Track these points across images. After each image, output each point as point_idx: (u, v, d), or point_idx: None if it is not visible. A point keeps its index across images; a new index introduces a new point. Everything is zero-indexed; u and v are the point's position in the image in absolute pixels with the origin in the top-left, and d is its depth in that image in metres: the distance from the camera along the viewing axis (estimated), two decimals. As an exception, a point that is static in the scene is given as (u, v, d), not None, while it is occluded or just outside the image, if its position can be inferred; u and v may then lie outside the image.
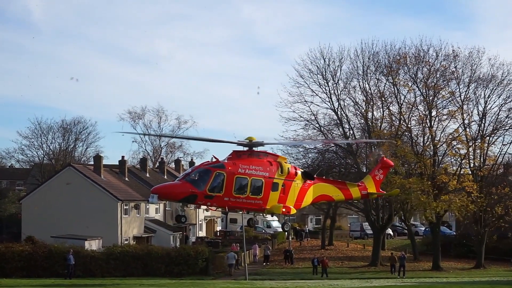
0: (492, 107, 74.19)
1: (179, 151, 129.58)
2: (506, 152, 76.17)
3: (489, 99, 73.94)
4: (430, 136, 72.48)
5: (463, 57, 73.18)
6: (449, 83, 73.98)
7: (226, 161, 34.24)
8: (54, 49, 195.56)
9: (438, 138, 72.79)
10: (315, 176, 38.94)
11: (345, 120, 77.46)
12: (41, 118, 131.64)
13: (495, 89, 73.72)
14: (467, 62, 73.29)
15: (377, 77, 75.97)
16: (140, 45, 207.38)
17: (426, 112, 73.06)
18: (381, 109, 75.98)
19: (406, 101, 74.44)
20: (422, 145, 73.31)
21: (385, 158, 42.56)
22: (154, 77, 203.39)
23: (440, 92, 72.77)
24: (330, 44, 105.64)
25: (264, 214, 35.53)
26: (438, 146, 72.59)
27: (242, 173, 33.66)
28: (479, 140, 73.12)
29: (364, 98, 76.11)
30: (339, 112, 76.88)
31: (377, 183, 40.98)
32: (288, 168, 35.75)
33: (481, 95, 74.07)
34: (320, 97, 76.69)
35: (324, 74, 76.43)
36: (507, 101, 73.78)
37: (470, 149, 72.51)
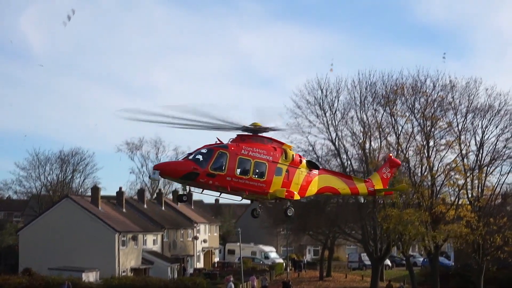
0: (489, 137, 74.19)
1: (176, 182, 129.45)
2: (504, 182, 76.08)
3: (486, 129, 73.96)
4: (427, 167, 72.47)
5: (460, 88, 73.42)
6: (446, 113, 74.12)
7: (229, 142, 33.80)
8: (52, 80, 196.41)
9: (436, 168, 72.79)
10: (320, 167, 38.05)
11: (343, 151, 77.55)
12: (39, 149, 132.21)
13: (493, 119, 73.77)
14: (464, 92, 73.51)
15: (374, 108, 76.14)
16: (138, 76, 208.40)
17: (424, 143, 73.14)
18: (379, 140, 76.06)
19: (404, 131, 74.54)
20: (420, 175, 73.26)
21: (392, 157, 42.01)
22: (152, 108, 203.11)
23: (438, 122, 72.91)
24: (328, 75, 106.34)
25: (268, 198, 34.53)
26: (436, 177, 72.55)
27: (245, 155, 33.12)
28: (477, 170, 73.05)
29: (362, 129, 76.26)
30: (336, 143, 76.98)
31: (384, 181, 39.75)
32: (293, 155, 35.04)
33: (478, 125, 74.16)
34: (317, 128, 76.77)
35: (321, 104, 76.64)
36: (505, 131, 73.83)
37: (468, 179, 72.44)
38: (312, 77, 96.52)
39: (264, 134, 34.46)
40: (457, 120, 73.59)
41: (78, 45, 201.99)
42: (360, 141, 76.27)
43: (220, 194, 33.87)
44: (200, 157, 32.54)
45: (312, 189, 36.42)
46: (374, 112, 76.04)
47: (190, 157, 32.70)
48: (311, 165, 36.26)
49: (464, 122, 73.68)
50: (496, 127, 73.98)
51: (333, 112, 76.66)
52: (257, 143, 33.95)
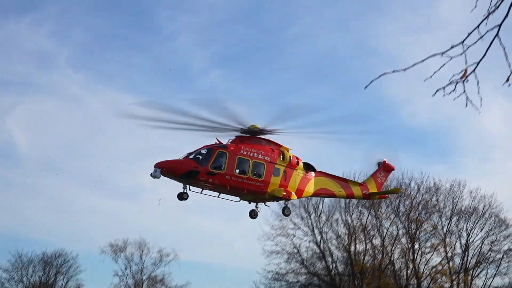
0: (474, 240, 74.25)
1: (160, 284, 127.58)
2: (490, 285, 75.49)
3: (471, 232, 74.08)
4: (413, 269, 71.97)
5: (445, 190, 74.01)
6: (431, 216, 74.31)
7: (229, 143, 34.73)
8: (36, 181, 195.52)
9: (422, 271, 72.28)
10: (317, 170, 38.37)
11: (328, 254, 77.06)
12: (22, 250, 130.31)
13: (477, 222, 74.00)
14: (448, 195, 74.04)
15: (359, 210, 76.21)
16: (123, 177, 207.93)
17: (409, 245, 72.94)
18: (364, 242, 75.76)
19: (389, 234, 74.43)
20: (405, 278, 72.63)
21: (386, 162, 41.98)
22: (137, 209, 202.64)
23: (423, 225, 73.00)
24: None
25: (266, 197, 34.68)
26: (421, 280, 71.97)
27: (244, 155, 34.13)
28: (462, 273, 72.62)
29: (347, 231, 76.05)
30: (321, 245, 76.59)
31: (378, 185, 40.69)
32: (290, 156, 35.88)
33: (463, 228, 74.30)
34: (302, 230, 76.60)
35: (306, 207, 76.70)
36: (490, 234, 73.91)
37: (454, 282, 71.90)
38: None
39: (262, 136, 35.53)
40: (442, 222, 73.76)
41: (65, 146, 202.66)
42: (345, 243, 75.95)
43: (218, 195, 34.52)
44: (200, 156, 33.62)
45: (309, 191, 37.17)
46: (359, 214, 76.17)
47: (191, 156, 33.63)
48: (308, 167, 37.01)
49: (449, 225, 73.82)
50: (481, 230, 74.15)
51: (318, 215, 76.71)
52: (256, 144, 34.97)
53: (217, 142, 34.68)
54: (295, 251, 76.87)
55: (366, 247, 75.62)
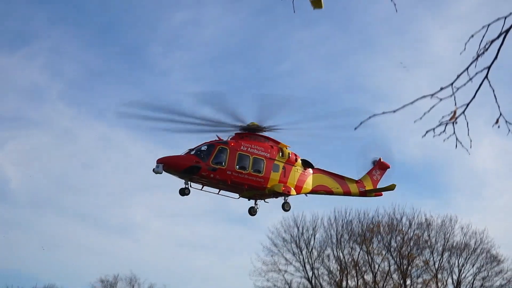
0: (466, 276, 74.01)
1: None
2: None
3: (463, 268, 73.89)
4: (405, 306, 71.66)
5: (436, 226, 73.97)
6: (422, 251, 74.18)
7: (229, 139, 35.30)
8: (27, 216, 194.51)
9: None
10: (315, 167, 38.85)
11: (320, 289, 76.65)
12: (12, 286, 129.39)
13: (469, 258, 73.84)
14: (440, 230, 73.99)
15: (351, 246, 76.03)
16: (114, 213, 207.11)
17: (401, 281, 72.67)
18: (356, 278, 75.43)
19: (380, 269, 74.17)
20: (398, 315, 72.31)
21: (382, 160, 42.29)
22: (128, 244, 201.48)
23: (414, 260, 72.80)
24: (304, 213, 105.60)
25: (266, 192, 35.08)
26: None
27: (244, 151, 34.66)
28: (455, 310, 72.34)
29: (338, 267, 75.77)
30: (313, 281, 76.19)
31: (374, 183, 41.21)
32: (289, 153, 36.46)
33: (455, 263, 74.10)
34: (294, 266, 76.28)
35: (298, 242, 76.50)
36: (481, 270, 73.70)
37: (447, 319, 71.61)
38: (288, 214, 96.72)
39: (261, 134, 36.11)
40: (433, 258, 73.62)
41: (56, 181, 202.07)
42: (337, 279, 75.60)
43: (219, 191, 35.08)
44: (201, 152, 34.04)
45: (307, 187, 37.70)
46: (350, 250, 75.91)
47: (192, 152, 34.04)
48: (306, 164, 37.61)
49: (441, 261, 73.64)
50: (473, 266, 73.99)
51: (310, 250, 76.43)
52: (255, 141, 35.48)
53: (218, 139, 35.20)
54: (287, 287, 76.48)
55: (357, 283, 75.30)
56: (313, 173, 38.10)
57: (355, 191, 40.42)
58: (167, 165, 33.31)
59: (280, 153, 36.04)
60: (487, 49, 9.19)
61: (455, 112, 9.18)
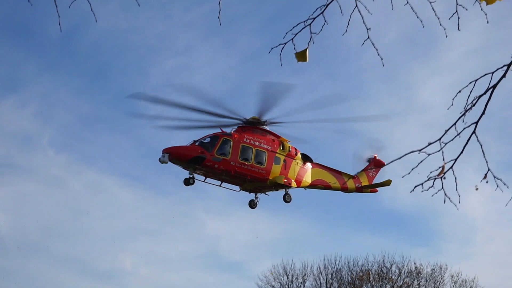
0: (457, 325, 73.57)
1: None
2: None
3: (453, 316, 73.49)
4: None
5: (426, 274, 73.63)
6: (413, 300, 73.75)
7: (232, 132, 36.06)
8: (15, 263, 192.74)
9: None
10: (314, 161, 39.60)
11: None
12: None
13: (459, 307, 73.49)
14: (430, 279, 73.61)
15: (341, 293, 75.54)
16: (103, 260, 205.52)
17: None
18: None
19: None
20: None
21: (377, 157, 42.79)
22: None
23: (404, 309, 72.37)
24: (293, 260, 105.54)
25: (268, 184, 35.79)
26: None
27: (247, 143, 35.43)
28: None
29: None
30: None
31: (370, 179, 41.99)
32: (289, 147, 37.27)
33: (445, 312, 73.67)
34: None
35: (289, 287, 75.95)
36: (472, 319, 73.34)
37: None
38: (278, 262, 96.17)
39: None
40: (423, 307, 73.12)
41: (45, 228, 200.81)
42: (327, 328, 74.97)
43: (221, 183, 35.80)
44: (206, 143, 34.81)
45: (307, 180, 38.40)
46: (341, 298, 75.38)
47: (197, 143, 34.78)
48: (306, 158, 38.46)
49: (431, 309, 73.18)
50: (463, 315, 73.55)
51: (300, 298, 75.83)
52: (257, 134, 36.26)
53: (221, 131, 35.90)
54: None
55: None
56: (312, 168, 38.96)
57: (352, 187, 41.30)
58: (173, 154, 33.94)
59: (281, 147, 36.89)
60: (474, 105, 9.25)
61: (443, 168, 9.20)
